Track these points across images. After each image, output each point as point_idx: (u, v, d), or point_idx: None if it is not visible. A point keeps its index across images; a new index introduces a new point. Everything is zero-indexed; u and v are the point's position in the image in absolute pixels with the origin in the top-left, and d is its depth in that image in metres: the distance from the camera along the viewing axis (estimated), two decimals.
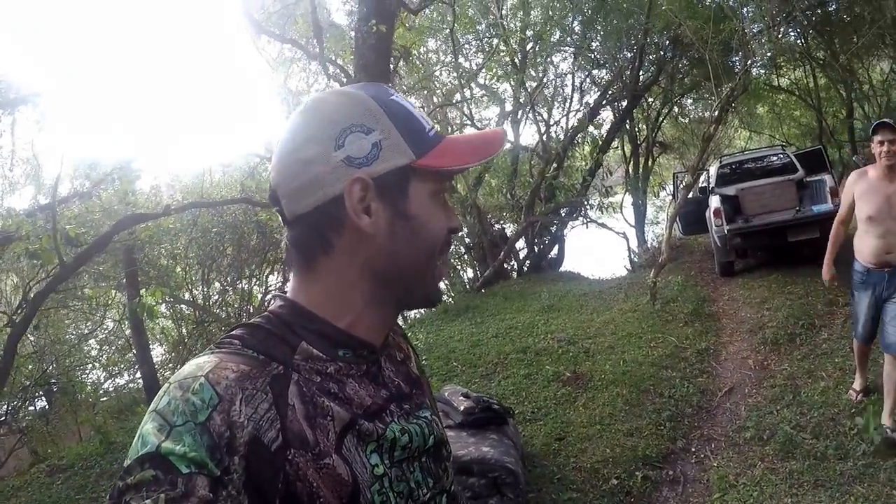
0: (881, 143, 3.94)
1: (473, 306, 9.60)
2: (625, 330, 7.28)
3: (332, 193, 0.83)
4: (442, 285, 0.95)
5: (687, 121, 17.46)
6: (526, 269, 13.43)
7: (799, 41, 12.83)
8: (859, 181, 4.13)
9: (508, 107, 13.53)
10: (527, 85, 13.27)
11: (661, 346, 6.60)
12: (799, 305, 6.99)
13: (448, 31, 11.45)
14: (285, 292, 0.92)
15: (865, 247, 4.10)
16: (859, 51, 11.00)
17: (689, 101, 16.99)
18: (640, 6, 11.65)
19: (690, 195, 10.32)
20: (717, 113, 9.56)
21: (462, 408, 4.12)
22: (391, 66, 6.82)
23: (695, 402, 5.30)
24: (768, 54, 12.31)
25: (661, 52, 13.53)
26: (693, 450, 4.59)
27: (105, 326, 11.99)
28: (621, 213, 15.86)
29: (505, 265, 12.78)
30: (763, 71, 14.53)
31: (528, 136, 15.72)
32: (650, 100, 15.43)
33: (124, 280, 8.66)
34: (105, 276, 9.69)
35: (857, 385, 4.72)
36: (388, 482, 0.84)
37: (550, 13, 12.66)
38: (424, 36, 11.94)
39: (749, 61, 9.77)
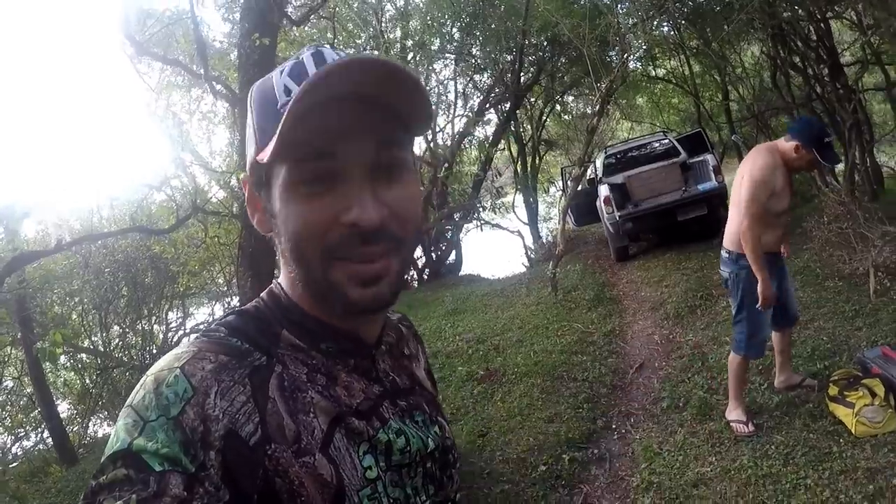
0: (817, 165, 3.72)
1: None
2: (531, 323, 7.30)
3: None
4: (375, 290, 0.76)
5: (569, 117, 17.92)
6: (426, 277, 13.42)
7: (672, 32, 13.35)
8: (776, 172, 3.63)
9: None
10: None
11: (568, 333, 6.64)
12: (695, 279, 7.20)
13: (328, 44, 11.27)
14: None
15: (772, 238, 3.71)
16: (730, 37, 11.55)
17: (571, 98, 17.44)
18: (517, 10, 11.86)
19: (580, 187, 10.53)
20: (598, 107, 9.80)
21: None
22: None
23: (608, 382, 5.32)
24: (644, 47, 12.78)
25: (541, 53, 13.83)
26: (614, 427, 4.58)
27: (4, 386, 11.07)
28: (514, 212, 16.14)
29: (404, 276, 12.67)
30: (640, 63, 15.06)
31: (415, 144, 15.69)
32: (532, 99, 15.73)
33: (18, 334, 7.99)
34: None
35: (740, 412, 3.95)
36: (381, 486, 0.78)
37: (429, 21, 12.72)
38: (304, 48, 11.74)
39: (626, 55, 10.08)
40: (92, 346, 10.80)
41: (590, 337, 6.43)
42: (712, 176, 8.91)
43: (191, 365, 0.70)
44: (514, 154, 16.26)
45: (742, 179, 3.66)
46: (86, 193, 20.48)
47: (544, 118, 16.65)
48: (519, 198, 16.55)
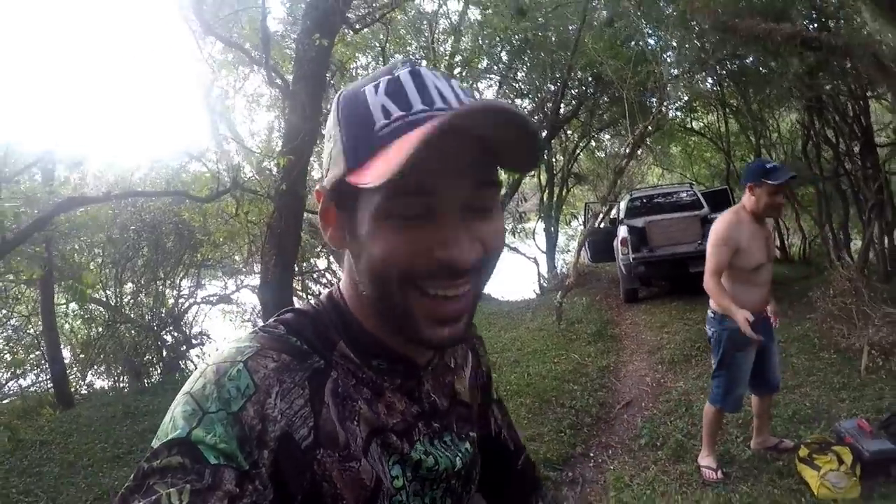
0: (779, 192, 3.63)
1: None
2: (530, 346, 7.49)
3: None
4: (452, 329, 0.75)
5: (603, 154, 18.08)
6: None
7: (714, 88, 13.53)
8: (740, 228, 3.67)
9: None
10: None
11: (564, 361, 6.81)
12: (696, 330, 7.33)
13: (380, 48, 11.55)
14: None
15: (750, 297, 3.68)
16: (770, 101, 11.69)
17: (607, 136, 17.62)
18: (565, 44, 12.08)
19: (601, 225, 10.72)
20: (629, 149, 10.01)
21: None
22: (328, 79, 6.86)
23: (594, 413, 5.47)
24: (685, 98, 12.95)
25: (583, 88, 14.04)
26: (591, 455, 4.74)
27: (11, 323, 11.33)
28: (533, 239, 16.30)
29: None
30: (679, 113, 15.22)
31: None
32: (569, 132, 15.94)
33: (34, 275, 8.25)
34: (14, 269, 9.22)
35: (711, 460, 4.07)
36: (405, 495, 0.80)
37: (480, 41, 12.96)
38: (357, 51, 12.01)
39: (665, 103, 10.28)
40: (104, 299, 11.07)
41: (584, 368, 6.59)
42: None
43: (254, 361, 0.72)
44: (543, 182, 16.44)
45: None
46: (126, 151, 20.93)
47: (578, 152, 16.83)
48: (540, 226, 16.66)
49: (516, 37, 12.66)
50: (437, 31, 13.02)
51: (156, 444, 0.65)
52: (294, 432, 0.69)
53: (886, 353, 5.50)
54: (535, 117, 14.17)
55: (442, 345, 0.77)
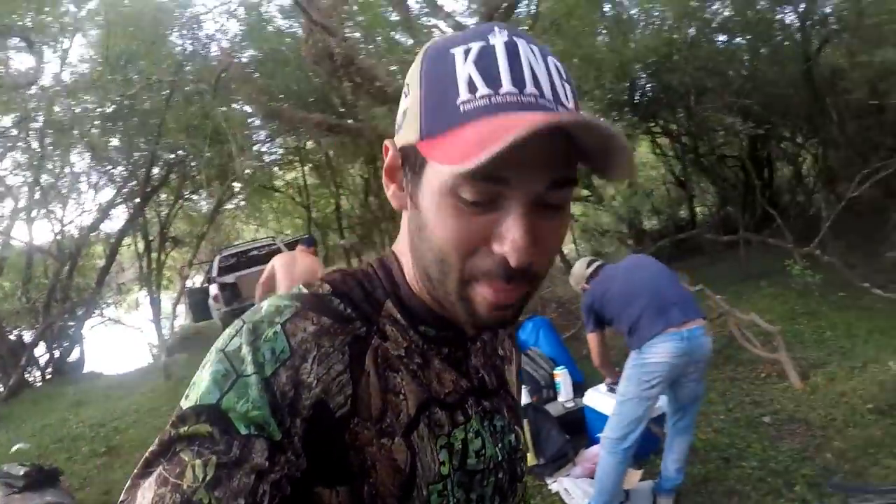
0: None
1: (4, 416, 9.92)
2: (146, 407, 8.74)
3: None
4: (503, 313, 0.71)
5: (197, 215, 18.24)
6: (49, 375, 13.01)
7: (298, 145, 15.12)
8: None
9: (22, 203, 12.81)
10: (42, 181, 12.94)
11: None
12: None
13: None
14: None
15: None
16: (342, 154, 13.96)
17: (200, 196, 17.63)
18: (158, 111, 11.85)
19: (199, 285, 11.88)
20: (211, 214, 11.27)
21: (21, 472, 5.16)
22: None
23: None
24: (266, 160, 14.45)
25: (173, 154, 13.81)
26: None
27: None
28: (138, 309, 16.35)
29: (27, 374, 12.29)
30: (262, 174, 15.83)
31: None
32: (163, 196, 15.78)
33: None
34: None
35: None
36: (450, 485, 0.77)
37: (74, 109, 12.07)
38: None
39: (245, 170, 11.35)
40: None
41: None
42: None
43: (293, 323, 0.69)
44: (141, 250, 15.91)
45: None
46: None
47: (172, 215, 16.58)
48: (144, 294, 16.33)
49: (108, 106, 12.09)
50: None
51: (185, 404, 0.65)
52: (329, 399, 0.68)
53: None
54: (129, 184, 13.88)
55: (490, 326, 0.76)
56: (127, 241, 15.19)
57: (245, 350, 0.67)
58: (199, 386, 0.66)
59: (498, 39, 0.66)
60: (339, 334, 0.71)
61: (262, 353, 0.66)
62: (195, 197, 17.15)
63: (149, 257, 15.64)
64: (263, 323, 0.69)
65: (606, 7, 10.78)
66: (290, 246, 12.68)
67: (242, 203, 18.07)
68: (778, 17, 11.42)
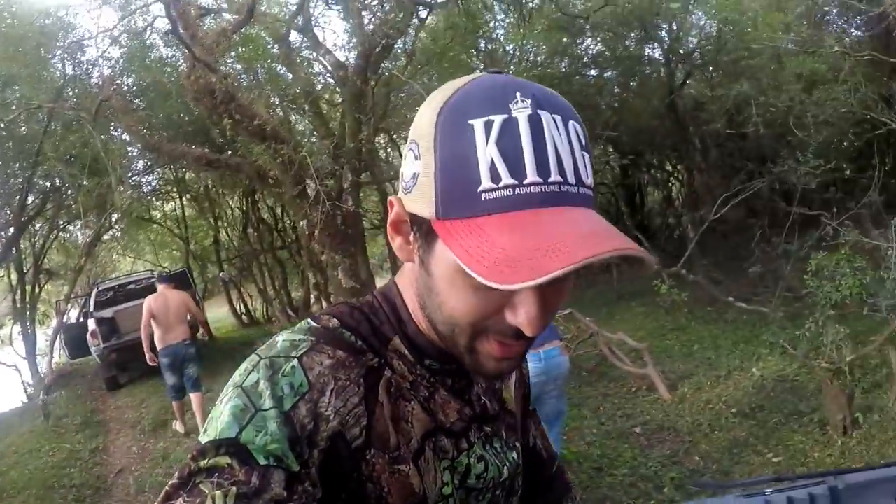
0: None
1: None
2: (26, 448, 8.41)
3: None
4: (507, 364, 0.75)
5: (73, 247, 17.22)
6: None
7: (177, 174, 14.99)
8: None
9: None
10: None
11: (58, 453, 7.95)
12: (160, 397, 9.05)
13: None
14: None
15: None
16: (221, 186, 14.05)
17: (77, 227, 16.68)
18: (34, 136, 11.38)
19: (76, 321, 11.37)
20: (88, 245, 10.87)
21: None
22: None
23: (93, 485, 6.83)
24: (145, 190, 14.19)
25: (50, 182, 13.46)
26: None
27: None
28: (11, 345, 15.28)
29: None
30: (139, 205, 15.37)
31: None
32: (38, 226, 15.16)
33: None
34: None
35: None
36: (452, 502, 0.80)
37: None
38: None
39: (124, 202, 11.11)
40: None
41: (78, 453, 7.84)
42: None
43: (309, 357, 0.71)
44: (14, 282, 15.13)
45: None
46: None
47: (47, 246, 15.92)
48: (17, 329, 15.35)
49: None
50: None
51: (204, 440, 0.66)
52: (346, 431, 0.70)
53: None
54: (2, 213, 13.20)
55: (495, 376, 0.83)
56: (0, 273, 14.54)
57: (263, 385, 0.69)
58: (218, 421, 0.67)
59: (521, 113, 0.64)
60: (355, 367, 0.74)
61: (280, 388, 0.68)
62: (71, 227, 16.51)
63: (22, 290, 14.90)
64: (280, 357, 0.72)
65: (481, 43, 11.36)
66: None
67: (119, 234, 17.64)
68: (646, 52, 12.42)
